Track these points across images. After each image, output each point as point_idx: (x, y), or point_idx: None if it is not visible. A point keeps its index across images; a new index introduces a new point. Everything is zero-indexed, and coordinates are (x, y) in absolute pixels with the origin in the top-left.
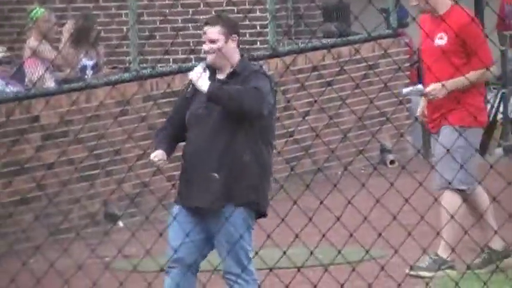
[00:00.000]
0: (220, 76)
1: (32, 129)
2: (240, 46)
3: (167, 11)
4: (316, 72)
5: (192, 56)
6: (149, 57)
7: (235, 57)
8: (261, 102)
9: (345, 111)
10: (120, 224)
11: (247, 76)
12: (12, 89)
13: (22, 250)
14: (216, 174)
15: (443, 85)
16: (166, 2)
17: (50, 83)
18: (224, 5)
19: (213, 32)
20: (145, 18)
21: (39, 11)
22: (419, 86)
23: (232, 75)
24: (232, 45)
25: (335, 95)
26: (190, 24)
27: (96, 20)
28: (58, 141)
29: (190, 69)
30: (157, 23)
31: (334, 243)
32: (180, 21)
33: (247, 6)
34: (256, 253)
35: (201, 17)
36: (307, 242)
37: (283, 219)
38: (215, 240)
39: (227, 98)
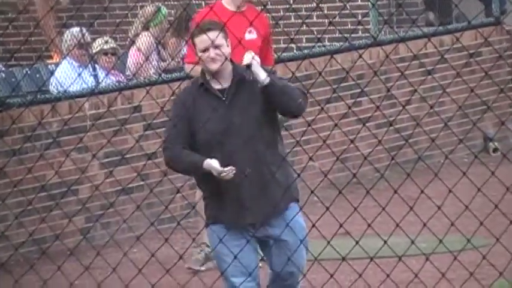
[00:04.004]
0: (219, 86)
1: (134, 119)
2: (343, 34)
3: (268, 0)
4: (417, 61)
5: (292, 45)
6: None
7: (229, 63)
8: (305, 105)
9: (447, 99)
10: None
11: (264, 77)
12: (113, 79)
13: (124, 240)
14: (248, 169)
15: None
16: None
17: (152, 73)
18: None
19: (218, 37)
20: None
21: (164, 8)
22: None
23: (240, 82)
24: (229, 51)
25: (437, 83)
26: (291, 14)
27: (196, 9)
28: (160, 131)
29: (290, 58)
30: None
31: (436, 232)
32: (281, 11)
33: None
34: (357, 242)
35: (303, 6)
36: (409, 231)
37: (383, 208)
38: (276, 245)
39: (282, 89)
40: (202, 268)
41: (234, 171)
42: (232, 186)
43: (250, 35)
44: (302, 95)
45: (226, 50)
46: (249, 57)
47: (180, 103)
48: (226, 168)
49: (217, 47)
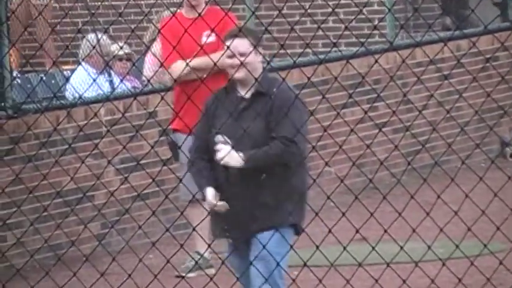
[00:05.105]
0: (244, 94)
1: (150, 125)
2: (359, 39)
3: (283, 5)
4: (434, 66)
5: (308, 50)
6: (267, 52)
7: (258, 72)
8: (298, 153)
9: (464, 104)
10: None
11: (276, 103)
12: (128, 85)
13: (140, 246)
14: (264, 175)
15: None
16: None
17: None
18: None
19: (243, 44)
20: (262, 12)
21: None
22: None
23: (256, 96)
24: (258, 59)
25: (453, 88)
26: (307, 19)
27: None
28: None
29: (305, 63)
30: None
31: (453, 237)
32: (297, 15)
33: (364, 0)
34: (373, 248)
35: (319, 11)
36: (426, 236)
37: (400, 214)
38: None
39: (264, 163)
40: (191, 275)
41: (227, 207)
42: (228, 199)
43: (209, 39)
44: (287, 146)
45: (252, 58)
46: (221, 156)
47: (205, 108)
48: (219, 203)
49: (241, 54)
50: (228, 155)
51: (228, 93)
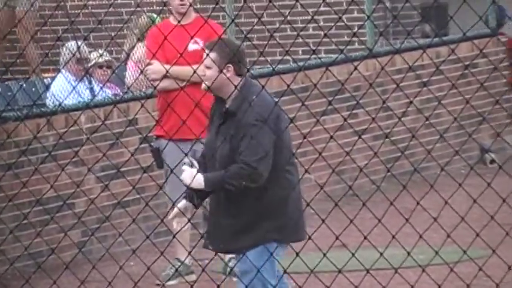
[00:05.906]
0: (226, 107)
1: (130, 133)
2: (338, 46)
3: (263, 12)
4: (413, 73)
5: (288, 58)
6: (247, 59)
7: (231, 88)
8: (256, 177)
9: (443, 111)
10: None
11: (243, 124)
12: (108, 92)
13: (121, 253)
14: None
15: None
16: (263, 3)
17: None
18: (321, 6)
19: (207, 58)
20: (242, 20)
21: (158, 18)
22: None
23: (227, 115)
24: (226, 75)
25: (433, 95)
26: (287, 26)
27: None
28: None
29: (285, 71)
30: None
31: (433, 243)
32: (277, 23)
33: (344, 7)
34: (353, 254)
35: (299, 18)
36: (406, 242)
37: (380, 220)
38: None
39: (222, 185)
40: (171, 283)
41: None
42: (211, 209)
43: (194, 46)
44: (243, 170)
45: (214, 73)
46: (186, 180)
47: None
48: (171, 215)
49: (206, 67)
50: (191, 177)
51: (220, 104)
